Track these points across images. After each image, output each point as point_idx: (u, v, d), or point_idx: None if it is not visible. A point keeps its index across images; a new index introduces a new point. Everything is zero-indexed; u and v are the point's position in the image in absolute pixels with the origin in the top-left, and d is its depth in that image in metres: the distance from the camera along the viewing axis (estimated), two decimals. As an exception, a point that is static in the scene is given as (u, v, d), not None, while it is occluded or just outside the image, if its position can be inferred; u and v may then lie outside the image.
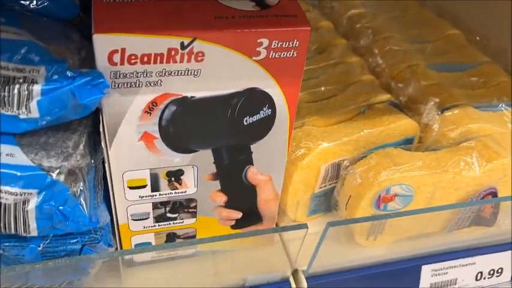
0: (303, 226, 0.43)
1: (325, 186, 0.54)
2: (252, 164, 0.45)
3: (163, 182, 0.43)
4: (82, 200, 0.34)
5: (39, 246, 0.36)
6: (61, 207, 0.33)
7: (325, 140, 0.51)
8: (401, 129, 0.55)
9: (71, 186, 0.34)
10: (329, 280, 0.51)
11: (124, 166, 0.41)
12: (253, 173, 0.45)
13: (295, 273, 0.51)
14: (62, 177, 0.33)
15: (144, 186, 0.43)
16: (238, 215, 0.49)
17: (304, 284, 0.50)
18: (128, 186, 0.42)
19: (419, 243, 0.55)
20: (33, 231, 0.34)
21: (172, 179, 0.43)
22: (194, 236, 0.50)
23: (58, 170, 0.33)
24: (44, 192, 0.33)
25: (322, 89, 0.59)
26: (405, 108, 0.58)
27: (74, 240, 0.37)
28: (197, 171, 0.43)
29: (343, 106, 0.57)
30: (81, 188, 0.34)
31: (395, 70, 0.66)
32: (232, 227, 0.50)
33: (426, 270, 0.54)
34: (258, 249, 0.53)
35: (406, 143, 0.55)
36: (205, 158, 0.43)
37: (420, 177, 0.49)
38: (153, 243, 0.49)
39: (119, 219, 0.45)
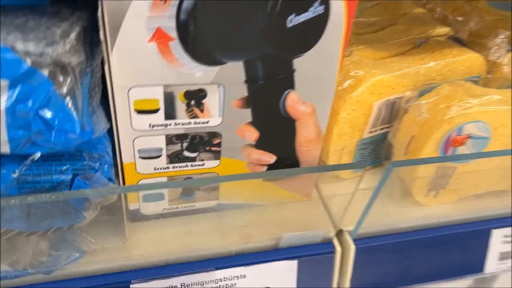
0: (360, 165, 0.34)
1: (376, 131, 0.44)
2: (293, 88, 0.35)
3: (180, 107, 0.34)
4: (70, 101, 0.24)
5: (14, 173, 0.26)
6: (42, 110, 0.24)
7: (379, 70, 0.41)
8: (466, 66, 0.45)
9: (57, 82, 0.24)
10: (381, 243, 0.42)
11: (130, 79, 0.31)
12: (294, 101, 0.36)
13: (340, 234, 0.42)
14: (45, 70, 0.24)
15: (155, 111, 0.33)
16: (271, 158, 0.39)
17: (351, 246, 0.40)
18: (135, 110, 0.33)
19: (490, 203, 0.45)
20: (4, 146, 0.24)
21: (192, 102, 0.34)
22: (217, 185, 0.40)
23: (38, 57, 0.23)
24: (19, 86, 0.23)
25: (371, 19, 0.49)
26: (468, 43, 0.49)
27: (63, 168, 0.27)
28: (223, 93, 0.34)
29: (395, 39, 0.47)
30: (71, 86, 0.24)
31: (450, 6, 0.55)
32: (263, 175, 0.40)
33: (497, 236, 0.44)
34: (293, 206, 0.43)
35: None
36: (234, 74, 0.33)
37: (501, 113, 0.39)
38: (166, 193, 0.39)
39: (124, 157, 0.35)
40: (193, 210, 0.41)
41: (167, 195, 0.39)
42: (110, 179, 0.30)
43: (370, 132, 0.44)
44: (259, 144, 0.38)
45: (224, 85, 0.33)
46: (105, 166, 0.29)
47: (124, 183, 0.37)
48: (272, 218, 0.42)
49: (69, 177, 0.28)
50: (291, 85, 0.35)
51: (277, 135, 0.38)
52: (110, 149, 0.31)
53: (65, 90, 0.24)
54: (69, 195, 0.28)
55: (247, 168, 0.39)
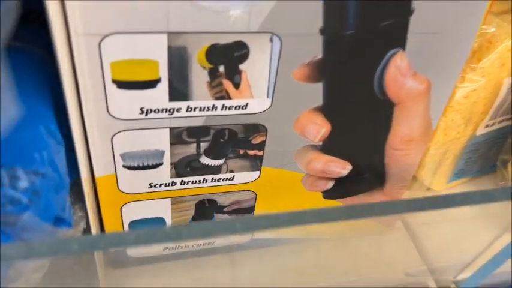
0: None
1: (493, 124, 0.28)
2: (404, 48, 0.19)
3: (199, 77, 0.18)
4: None
5: None
6: None
7: (514, 26, 0.26)
8: None
9: None
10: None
11: (103, 19, 0.15)
12: (399, 70, 0.20)
13: (444, 288, 0.27)
14: None
15: (152, 84, 0.18)
16: (344, 168, 0.24)
17: (465, 310, 0.25)
18: (113, 81, 0.17)
19: None
20: None
21: (221, 69, 0.18)
22: (251, 208, 0.25)
23: None
24: None
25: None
26: None
27: None
28: (279, 52, 0.18)
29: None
30: None
31: None
32: (325, 193, 0.25)
33: None
34: (366, 241, 0.28)
35: None
36: (301, 17, 0.17)
37: None
38: (169, 220, 0.24)
39: (96, 166, 0.20)
40: (213, 249, 0.25)
41: (171, 224, 0.24)
42: (58, 220, 0.14)
43: (487, 126, 0.28)
44: (328, 145, 0.22)
45: (281, 37, 0.18)
46: (48, 195, 0.14)
47: (99, 207, 0.22)
48: (340, 262, 0.27)
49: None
50: (400, 41, 0.19)
51: (359, 130, 0.22)
52: (61, 155, 0.16)
53: None
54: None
55: (302, 184, 0.24)
